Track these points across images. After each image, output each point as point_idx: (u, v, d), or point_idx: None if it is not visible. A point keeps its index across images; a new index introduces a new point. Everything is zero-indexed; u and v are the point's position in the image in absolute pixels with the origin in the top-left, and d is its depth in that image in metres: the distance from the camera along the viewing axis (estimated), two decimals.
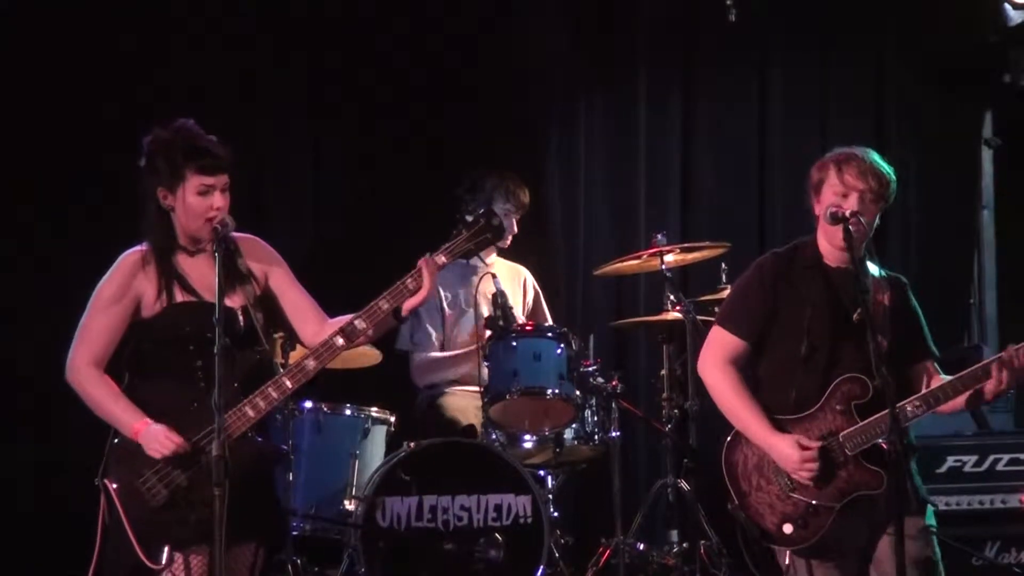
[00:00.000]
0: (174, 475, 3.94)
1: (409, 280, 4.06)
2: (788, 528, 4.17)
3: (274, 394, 4.00)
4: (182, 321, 4.04)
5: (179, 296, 4.06)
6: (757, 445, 4.22)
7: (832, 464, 4.15)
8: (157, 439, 3.92)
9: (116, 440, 4.02)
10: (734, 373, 4.30)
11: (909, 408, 4.16)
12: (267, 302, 4.19)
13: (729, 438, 4.29)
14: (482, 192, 6.27)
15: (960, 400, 4.22)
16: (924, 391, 4.21)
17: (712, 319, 4.62)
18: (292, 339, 4.35)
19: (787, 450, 4.15)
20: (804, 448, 4.13)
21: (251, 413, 3.98)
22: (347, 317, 4.08)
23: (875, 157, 4.29)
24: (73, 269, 5.87)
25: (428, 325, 6.25)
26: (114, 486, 3.96)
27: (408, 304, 4.07)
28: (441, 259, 4.10)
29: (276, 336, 4.44)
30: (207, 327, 3.95)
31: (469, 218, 4.19)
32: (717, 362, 4.32)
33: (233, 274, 4.09)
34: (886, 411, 4.01)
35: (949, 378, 4.22)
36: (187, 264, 4.12)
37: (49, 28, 6.19)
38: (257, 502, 4.03)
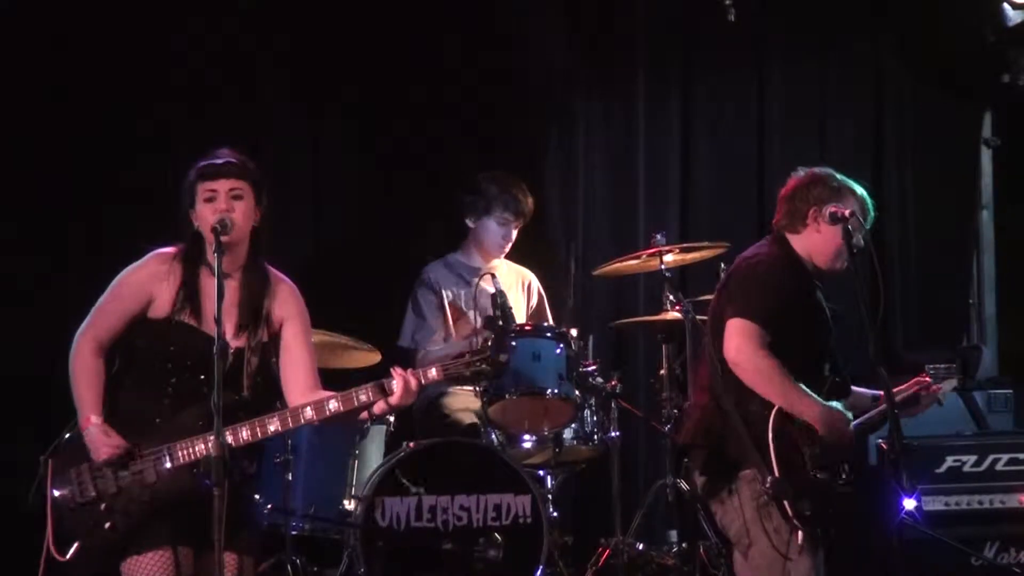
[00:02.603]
0: (108, 478, 3.98)
1: (389, 383, 4.03)
2: (806, 507, 4.31)
3: (230, 439, 3.93)
4: (173, 339, 4.07)
5: (184, 316, 4.08)
6: (811, 415, 4.37)
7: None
8: (95, 442, 3.98)
9: (76, 424, 4.07)
10: (775, 358, 4.44)
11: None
12: (270, 348, 4.19)
13: (772, 424, 4.36)
14: (483, 198, 6.27)
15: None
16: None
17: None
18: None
19: (841, 412, 4.42)
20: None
21: (200, 447, 3.96)
22: (331, 394, 4.06)
23: None
24: (73, 269, 5.89)
25: (431, 322, 6.24)
26: (51, 465, 4.03)
27: (379, 407, 4.06)
28: (432, 374, 4.07)
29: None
30: (190, 354, 4.03)
31: (473, 355, 4.08)
32: (760, 349, 4.42)
33: (249, 311, 4.11)
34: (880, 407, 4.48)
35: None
36: (207, 287, 4.09)
37: (52, 25, 6.18)
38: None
